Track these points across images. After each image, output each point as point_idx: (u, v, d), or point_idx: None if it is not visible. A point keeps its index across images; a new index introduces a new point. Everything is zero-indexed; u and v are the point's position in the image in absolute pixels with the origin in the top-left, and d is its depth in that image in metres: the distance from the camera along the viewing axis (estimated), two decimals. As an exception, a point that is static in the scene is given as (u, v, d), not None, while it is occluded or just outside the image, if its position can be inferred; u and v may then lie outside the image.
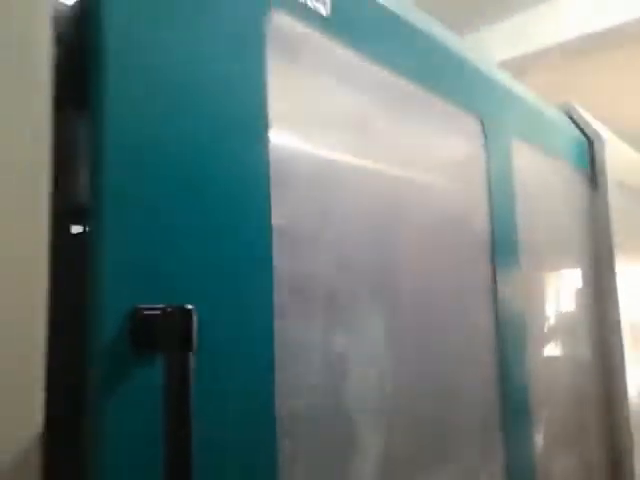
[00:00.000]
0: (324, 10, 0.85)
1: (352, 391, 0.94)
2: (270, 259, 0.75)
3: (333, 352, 0.92)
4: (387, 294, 1.05)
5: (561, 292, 1.85)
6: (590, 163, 1.93)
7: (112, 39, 0.62)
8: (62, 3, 0.64)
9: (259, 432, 0.71)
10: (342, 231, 0.96)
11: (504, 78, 1.47)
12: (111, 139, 0.61)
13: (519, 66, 3.27)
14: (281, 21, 0.78)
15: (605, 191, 1.92)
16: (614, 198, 1.95)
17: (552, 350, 1.73)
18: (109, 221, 0.60)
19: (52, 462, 0.53)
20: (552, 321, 1.78)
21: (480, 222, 1.26)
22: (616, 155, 2.04)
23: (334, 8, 0.87)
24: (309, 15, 0.83)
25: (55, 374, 0.54)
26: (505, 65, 3.20)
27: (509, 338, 1.29)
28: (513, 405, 1.29)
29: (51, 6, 0.59)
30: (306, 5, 0.81)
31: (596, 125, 2.00)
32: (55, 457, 0.54)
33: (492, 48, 3.40)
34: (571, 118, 1.98)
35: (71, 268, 0.61)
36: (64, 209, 0.61)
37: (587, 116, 2.01)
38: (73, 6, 0.64)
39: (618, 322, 1.90)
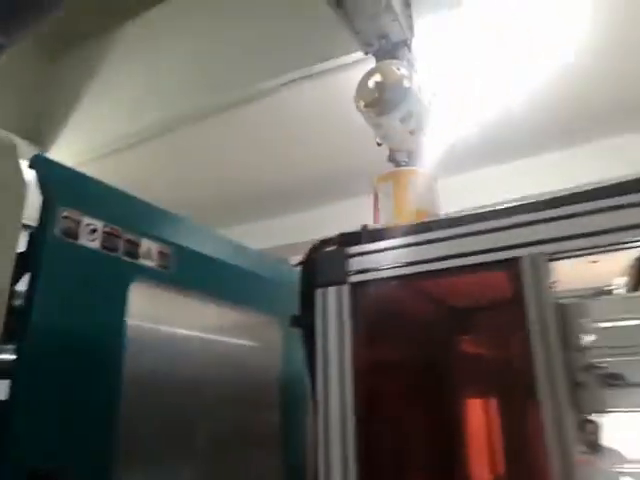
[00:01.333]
0: (172, 270, 1.45)
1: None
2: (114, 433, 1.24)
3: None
4: (198, 438, 1.55)
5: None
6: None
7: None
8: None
9: None
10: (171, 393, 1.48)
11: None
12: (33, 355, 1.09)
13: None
14: (140, 284, 1.36)
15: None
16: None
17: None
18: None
19: None
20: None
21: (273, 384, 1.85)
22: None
23: (178, 268, 1.47)
24: (159, 275, 1.41)
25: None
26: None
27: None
28: None
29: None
30: (157, 270, 1.40)
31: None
32: None
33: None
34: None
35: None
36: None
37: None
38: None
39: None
